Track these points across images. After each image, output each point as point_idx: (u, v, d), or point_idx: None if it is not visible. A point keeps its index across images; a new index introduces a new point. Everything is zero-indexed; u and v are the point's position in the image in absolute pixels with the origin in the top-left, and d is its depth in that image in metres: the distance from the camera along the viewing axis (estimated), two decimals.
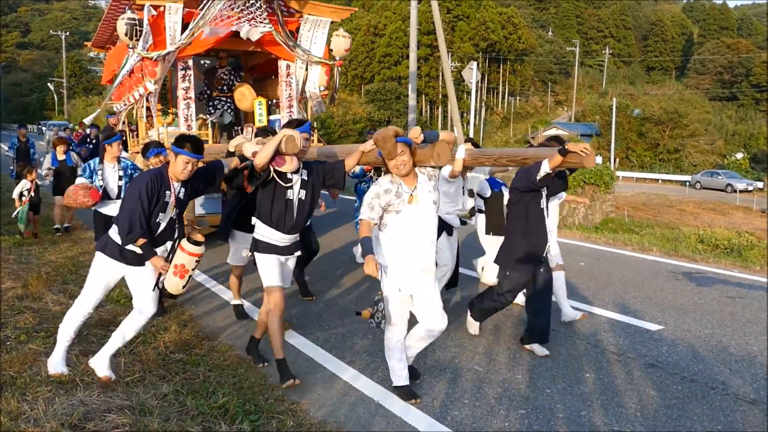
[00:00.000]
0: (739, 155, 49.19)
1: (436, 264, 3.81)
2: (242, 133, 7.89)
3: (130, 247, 3.60)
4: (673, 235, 14.51)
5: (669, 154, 49.36)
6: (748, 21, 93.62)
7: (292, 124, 3.81)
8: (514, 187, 4.39)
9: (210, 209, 7.36)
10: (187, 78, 7.31)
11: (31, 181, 8.41)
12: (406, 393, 3.63)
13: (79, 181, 5.82)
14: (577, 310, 5.27)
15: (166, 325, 4.83)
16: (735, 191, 36.16)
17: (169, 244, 3.75)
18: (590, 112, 60.00)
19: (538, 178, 3.95)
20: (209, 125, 8.13)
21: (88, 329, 4.68)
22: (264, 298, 4.01)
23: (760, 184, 39.00)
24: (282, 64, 7.99)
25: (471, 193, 5.61)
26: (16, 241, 8.10)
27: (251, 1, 7.12)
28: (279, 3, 7.42)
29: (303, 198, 3.85)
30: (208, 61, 8.91)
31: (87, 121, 9.33)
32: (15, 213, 8.26)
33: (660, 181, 43.83)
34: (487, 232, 5.75)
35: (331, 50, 7.84)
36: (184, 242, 3.72)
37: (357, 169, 6.59)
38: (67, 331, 3.77)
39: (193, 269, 3.74)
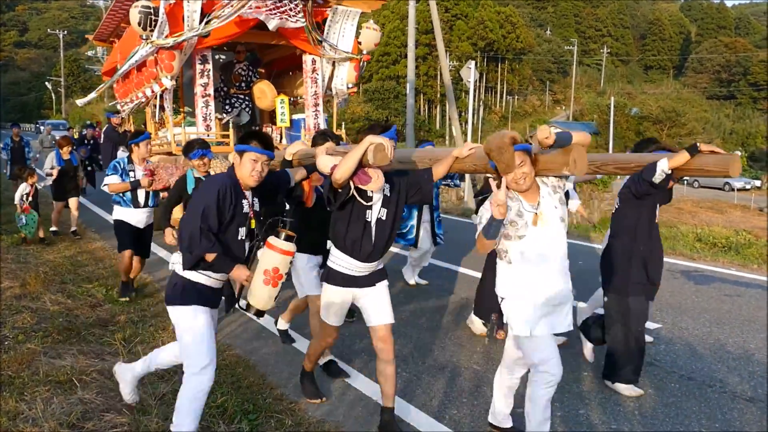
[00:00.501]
0: (737, 154, 49.21)
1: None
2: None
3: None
4: (671, 233, 14.48)
5: None
6: (746, 20, 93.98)
7: (375, 129, 3.03)
8: (628, 196, 3.69)
9: None
10: (205, 73, 6.69)
11: (31, 185, 8.01)
12: None
13: (108, 180, 5.43)
14: (576, 308, 5.25)
15: (164, 325, 4.82)
16: (733, 190, 36.13)
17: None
18: (588, 110, 60.22)
19: (656, 180, 3.12)
20: (230, 125, 7.40)
21: (86, 329, 4.69)
22: (314, 326, 3.80)
23: (757, 183, 39.05)
24: (307, 59, 7.40)
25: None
26: (14, 240, 8.07)
27: None
28: None
29: (384, 218, 3.13)
30: (223, 57, 8.27)
31: (80, 103, 8.87)
32: (21, 223, 7.81)
33: None
34: None
35: (360, 43, 7.35)
36: (272, 239, 2.93)
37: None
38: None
39: (286, 273, 2.97)
